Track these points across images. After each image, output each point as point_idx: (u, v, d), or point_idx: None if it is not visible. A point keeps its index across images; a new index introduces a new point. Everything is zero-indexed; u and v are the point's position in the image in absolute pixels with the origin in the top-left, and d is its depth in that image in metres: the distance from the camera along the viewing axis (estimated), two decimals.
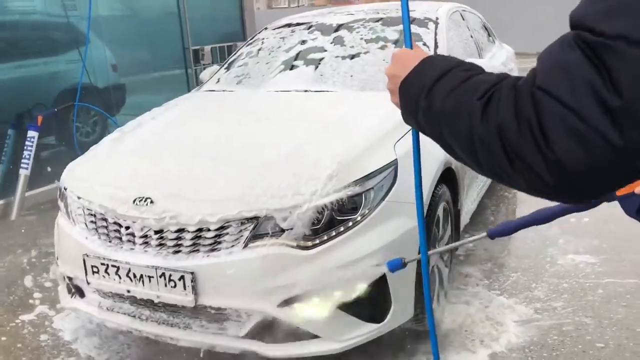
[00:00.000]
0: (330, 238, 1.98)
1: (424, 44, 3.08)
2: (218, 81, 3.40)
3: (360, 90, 2.84)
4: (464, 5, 4.20)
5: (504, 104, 0.69)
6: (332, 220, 2.00)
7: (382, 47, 3.08)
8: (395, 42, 3.10)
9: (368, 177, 2.06)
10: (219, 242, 1.97)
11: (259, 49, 3.47)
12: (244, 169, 2.12)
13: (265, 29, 3.76)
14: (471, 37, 3.76)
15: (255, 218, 1.95)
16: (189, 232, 1.97)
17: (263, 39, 3.59)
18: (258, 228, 1.96)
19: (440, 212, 2.49)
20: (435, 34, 3.14)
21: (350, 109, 2.58)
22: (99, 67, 6.30)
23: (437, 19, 3.27)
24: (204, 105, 2.99)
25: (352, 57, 3.07)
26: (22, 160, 4.48)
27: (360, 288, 2.02)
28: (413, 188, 2.30)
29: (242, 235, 1.95)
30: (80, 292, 2.38)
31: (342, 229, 2.00)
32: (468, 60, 2.89)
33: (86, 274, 2.20)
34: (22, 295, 3.13)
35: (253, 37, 3.70)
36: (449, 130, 0.79)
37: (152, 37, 6.06)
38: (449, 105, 0.78)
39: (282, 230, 1.96)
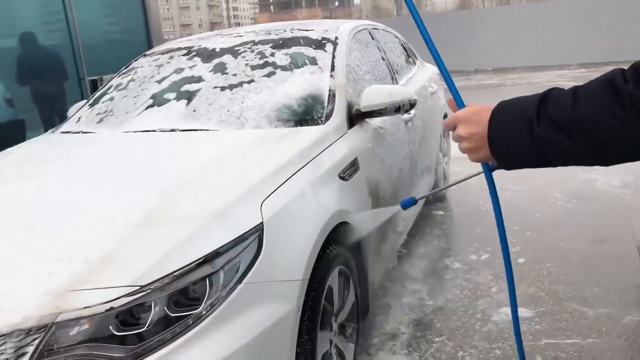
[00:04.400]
0: (162, 344, 1.41)
1: (319, 68, 2.59)
2: (78, 120, 2.80)
3: (238, 127, 2.31)
4: (376, 22, 3.77)
5: None
6: (165, 319, 1.44)
7: (269, 75, 2.57)
8: (284, 68, 2.59)
9: (216, 254, 1.52)
10: None
11: (130, 80, 2.90)
12: (44, 251, 1.53)
13: (144, 55, 3.19)
14: (383, 58, 3.31)
15: (44, 327, 1.36)
16: None
17: (137, 67, 3.02)
18: (51, 338, 1.37)
19: (333, 280, 1.97)
20: (333, 56, 2.66)
21: (217, 153, 2.04)
22: None
23: (336, 39, 2.80)
24: (37, 155, 2.37)
25: (233, 87, 2.54)
26: None
27: None
28: (284, 260, 1.78)
29: (25, 352, 1.36)
30: None
31: (178, 329, 1.43)
32: (379, 84, 2.46)
33: None
34: None
35: (128, 66, 3.13)
36: (592, 127, 0.90)
37: (47, 68, 5.47)
38: (585, 108, 0.91)
39: (89, 340, 1.38)
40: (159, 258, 1.46)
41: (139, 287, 1.40)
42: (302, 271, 1.69)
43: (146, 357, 1.39)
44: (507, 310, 2.71)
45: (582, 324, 2.54)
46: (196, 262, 1.46)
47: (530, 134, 0.97)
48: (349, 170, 2.21)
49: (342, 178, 2.14)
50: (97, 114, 2.74)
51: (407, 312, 2.73)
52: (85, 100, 3.08)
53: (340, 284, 2.09)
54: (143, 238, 1.52)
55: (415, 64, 4.17)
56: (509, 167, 1.07)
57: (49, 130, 2.83)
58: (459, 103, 1.18)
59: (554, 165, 1.00)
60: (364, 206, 2.33)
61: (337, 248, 2.00)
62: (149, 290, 1.41)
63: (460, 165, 5.88)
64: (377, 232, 2.45)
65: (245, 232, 1.59)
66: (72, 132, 2.65)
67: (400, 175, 2.88)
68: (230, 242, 1.54)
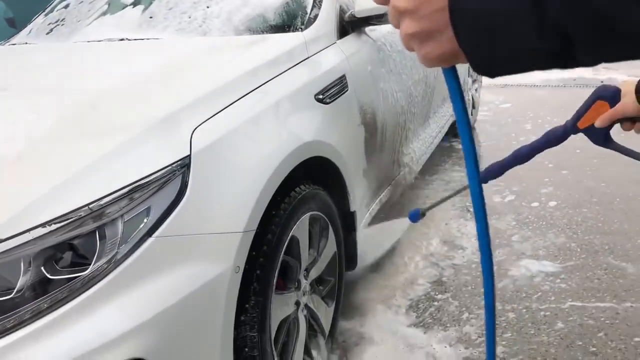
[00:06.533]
0: (36, 314, 1.06)
1: None
2: (30, 32, 2.41)
3: (200, 35, 1.87)
4: None
5: None
6: (44, 282, 1.08)
7: None
8: None
9: (118, 196, 1.13)
10: None
11: None
12: None
13: None
14: None
15: None
16: None
17: None
18: None
19: (301, 229, 1.57)
20: None
21: (150, 66, 1.62)
22: None
23: None
24: None
25: None
26: None
27: None
28: (220, 207, 1.38)
29: None
30: None
31: (60, 296, 1.08)
32: None
33: None
34: None
35: None
36: None
37: None
38: None
39: None
40: (31, 203, 1.08)
41: None
42: (243, 221, 1.29)
43: (14, 331, 1.05)
44: (529, 263, 2.28)
45: (619, 284, 2.10)
46: (78, 210, 1.08)
47: None
48: (332, 91, 1.76)
49: (321, 100, 1.70)
50: (49, 23, 2.33)
51: (407, 262, 2.32)
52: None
53: (315, 233, 1.70)
54: (18, 176, 1.14)
55: None
56: (493, 69, 0.52)
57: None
58: None
59: (585, 61, 0.48)
60: (354, 139, 1.89)
61: (308, 189, 1.59)
62: (13, 245, 1.05)
63: (496, 93, 5.28)
64: (370, 167, 2.03)
65: (161, 169, 1.19)
66: (17, 44, 2.26)
67: (409, 103, 2.41)
68: (136, 182, 1.15)
